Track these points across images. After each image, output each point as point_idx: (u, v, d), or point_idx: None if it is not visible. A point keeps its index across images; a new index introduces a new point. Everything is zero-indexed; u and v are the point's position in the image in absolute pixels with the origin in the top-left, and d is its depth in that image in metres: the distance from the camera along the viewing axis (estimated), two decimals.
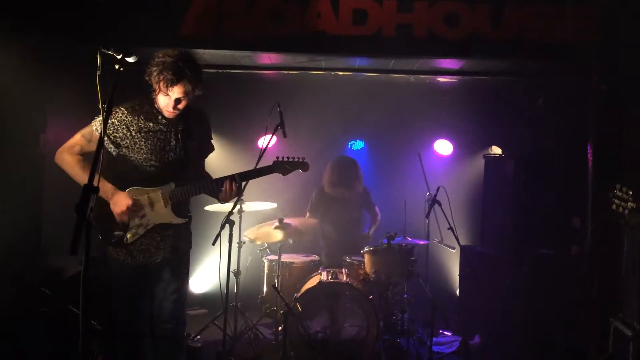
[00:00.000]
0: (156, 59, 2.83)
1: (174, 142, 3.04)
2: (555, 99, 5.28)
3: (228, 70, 5.24)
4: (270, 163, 3.30)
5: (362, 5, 4.49)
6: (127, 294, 3.07)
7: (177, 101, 2.90)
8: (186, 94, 2.89)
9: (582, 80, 4.79)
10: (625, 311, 3.83)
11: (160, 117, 2.99)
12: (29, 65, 3.95)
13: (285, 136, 4.16)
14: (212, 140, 3.37)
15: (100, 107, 2.13)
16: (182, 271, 3.28)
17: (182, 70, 2.80)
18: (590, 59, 4.61)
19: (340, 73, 5.51)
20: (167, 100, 2.89)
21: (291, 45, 4.55)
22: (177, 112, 2.96)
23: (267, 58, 5.07)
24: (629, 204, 3.19)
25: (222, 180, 3.08)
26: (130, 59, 2.35)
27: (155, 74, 2.82)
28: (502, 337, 4.76)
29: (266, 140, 4.01)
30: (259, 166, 3.24)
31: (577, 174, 4.75)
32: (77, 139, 2.96)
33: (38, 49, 4.07)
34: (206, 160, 3.44)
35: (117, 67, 2.28)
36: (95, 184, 1.94)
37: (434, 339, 4.65)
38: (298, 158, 3.33)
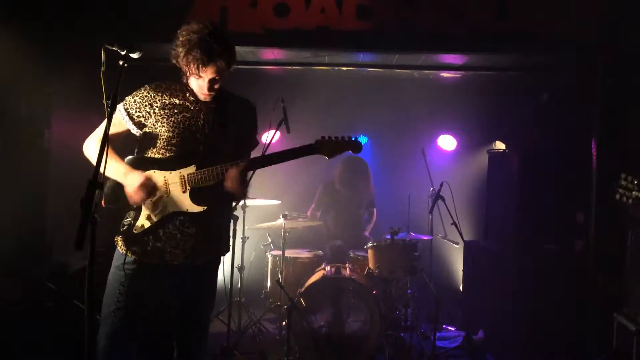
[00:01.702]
0: (180, 39, 2.50)
1: (202, 121, 2.65)
2: (559, 94, 5.27)
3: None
4: (312, 142, 2.74)
5: (365, 1, 4.49)
6: (122, 294, 2.56)
7: (212, 81, 2.57)
8: (220, 72, 2.55)
9: (587, 75, 4.78)
10: (629, 306, 3.83)
11: (188, 94, 2.66)
12: (33, 61, 3.97)
13: (288, 132, 4.18)
14: (257, 135, 2.91)
15: (104, 103, 2.13)
16: (202, 287, 2.75)
17: (212, 47, 2.45)
18: (595, 54, 4.60)
19: (344, 68, 5.51)
20: (201, 82, 2.56)
21: (295, 41, 4.56)
22: (213, 93, 2.64)
23: (271, 53, 5.07)
24: (634, 193, 3.13)
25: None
26: (135, 55, 2.30)
27: (182, 55, 2.48)
28: (506, 332, 4.76)
29: (269, 136, 4.03)
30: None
31: (581, 169, 4.75)
32: (102, 124, 2.66)
33: (42, 45, 4.08)
34: None
35: (121, 63, 2.24)
36: (100, 179, 1.94)
37: (438, 333, 4.67)
38: (348, 137, 2.74)
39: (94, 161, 2.57)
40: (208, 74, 2.52)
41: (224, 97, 2.74)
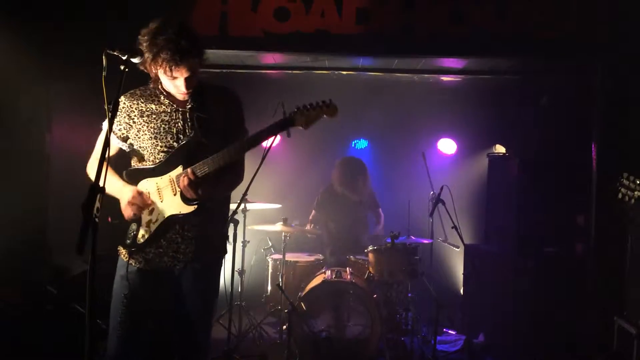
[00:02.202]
0: (144, 43, 2.40)
1: (182, 122, 2.61)
2: (559, 97, 5.28)
3: (232, 70, 5.25)
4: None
5: (365, 4, 4.50)
6: (127, 305, 2.56)
7: (188, 80, 2.50)
8: (194, 69, 2.49)
9: (587, 78, 4.79)
10: (629, 309, 3.83)
11: (162, 97, 2.62)
12: (33, 63, 3.97)
13: (289, 136, 4.15)
14: (243, 123, 2.81)
15: (106, 107, 2.12)
16: (203, 290, 2.72)
17: (181, 45, 2.37)
18: (595, 56, 4.61)
19: (344, 72, 5.52)
20: (178, 82, 2.50)
21: (295, 45, 4.57)
22: (190, 91, 2.57)
23: (271, 58, 5.08)
24: (636, 192, 3.11)
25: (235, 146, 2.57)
26: (136, 60, 2.30)
27: (150, 60, 2.40)
28: (507, 336, 4.76)
29: (270, 140, 4.03)
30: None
31: (581, 171, 4.76)
32: (96, 146, 2.70)
33: (43, 47, 4.09)
34: None
35: (122, 67, 2.22)
36: (101, 184, 1.93)
37: (438, 337, 4.65)
38: (322, 101, 2.63)
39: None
40: (183, 73, 2.45)
41: (201, 92, 2.66)
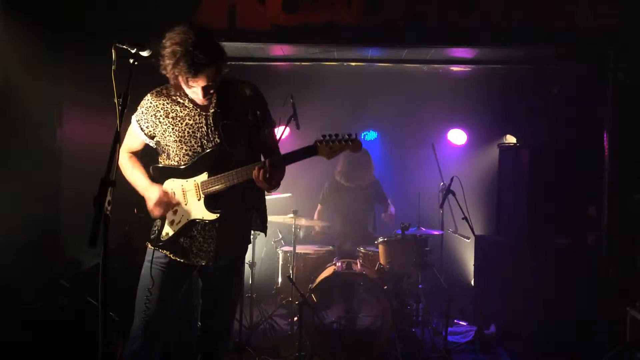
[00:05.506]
0: (166, 49, 2.42)
1: (205, 128, 2.64)
2: (570, 85, 5.23)
3: (241, 63, 5.25)
4: (312, 143, 2.66)
5: None
6: (152, 292, 2.62)
7: (206, 88, 2.52)
8: (213, 78, 2.49)
9: (598, 67, 4.73)
10: None
11: (187, 101, 2.64)
12: (43, 59, 3.99)
13: (298, 128, 4.18)
14: (268, 118, 2.79)
15: (115, 101, 2.13)
16: (229, 284, 2.84)
17: (197, 58, 2.38)
18: (607, 45, 4.56)
19: (353, 64, 5.50)
20: (194, 90, 2.52)
21: (304, 37, 4.56)
22: (210, 97, 2.60)
23: (280, 49, 5.07)
24: None
25: (252, 167, 2.56)
26: (144, 53, 2.31)
27: (170, 68, 2.43)
28: (518, 327, 4.75)
29: (279, 132, 4.03)
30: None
31: (593, 161, 4.71)
32: (125, 139, 2.78)
33: (53, 43, 4.11)
34: None
35: (131, 61, 2.25)
36: (112, 177, 1.95)
37: (449, 328, 4.66)
38: (347, 135, 2.62)
39: (123, 171, 2.75)
40: (200, 82, 2.49)
41: (225, 92, 2.68)
